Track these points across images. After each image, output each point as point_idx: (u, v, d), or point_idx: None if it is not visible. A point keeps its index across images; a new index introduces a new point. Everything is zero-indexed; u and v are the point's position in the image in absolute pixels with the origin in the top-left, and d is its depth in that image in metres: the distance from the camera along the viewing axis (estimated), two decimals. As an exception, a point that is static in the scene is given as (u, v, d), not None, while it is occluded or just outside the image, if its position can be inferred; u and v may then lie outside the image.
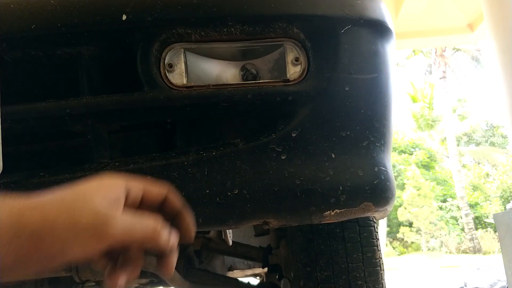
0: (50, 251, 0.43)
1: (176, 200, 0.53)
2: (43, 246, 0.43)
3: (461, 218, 19.65)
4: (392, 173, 0.76)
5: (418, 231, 20.59)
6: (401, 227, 20.94)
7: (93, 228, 0.44)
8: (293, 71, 0.70)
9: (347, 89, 0.70)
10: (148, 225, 0.48)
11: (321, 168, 0.68)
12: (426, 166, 22.93)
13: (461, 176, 19.36)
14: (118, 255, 0.51)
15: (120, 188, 0.48)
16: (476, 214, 20.25)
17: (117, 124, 0.73)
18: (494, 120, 23.83)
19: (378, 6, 0.76)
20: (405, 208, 20.15)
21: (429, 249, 20.25)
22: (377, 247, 0.93)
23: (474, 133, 24.15)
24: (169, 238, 0.50)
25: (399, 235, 21.09)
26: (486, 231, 19.76)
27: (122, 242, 0.46)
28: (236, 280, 1.46)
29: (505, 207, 4.03)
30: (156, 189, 0.52)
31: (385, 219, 17.30)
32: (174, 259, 0.51)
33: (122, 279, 0.50)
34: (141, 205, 0.50)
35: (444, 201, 21.77)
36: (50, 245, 0.43)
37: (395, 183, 0.76)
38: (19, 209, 0.43)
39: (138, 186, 0.50)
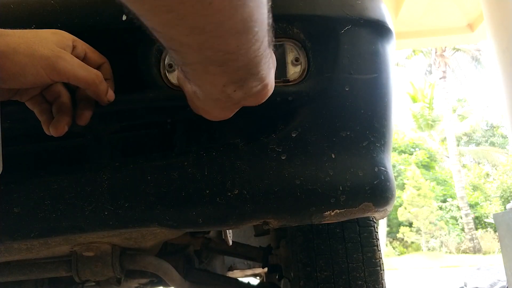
0: (11, 71, 0.52)
1: (109, 71, 0.64)
2: (6, 66, 0.52)
3: (461, 218, 19.67)
4: (392, 173, 0.76)
5: (418, 231, 20.60)
6: (401, 227, 20.95)
7: (47, 59, 0.54)
8: (293, 71, 0.71)
9: (347, 89, 0.70)
10: (92, 72, 0.58)
11: (321, 168, 0.68)
12: (426, 166, 22.95)
13: (461, 176, 19.37)
14: (53, 100, 0.62)
15: (69, 39, 0.59)
16: (476, 214, 20.27)
17: (117, 124, 0.73)
18: (494, 120, 23.84)
19: (378, 6, 0.76)
20: (405, 208, 20.16)
21: (429, 249, 20.26)
22: (377, 247, 0.93)
23: (474, 133, 24.16)
24: (107, 90, 0.60)
25: (399, 235, 21.11)
26: (486, 231, 19.77)
27: (67, 79, 0.56)
28: (236, 280, 1.46)
29: (505, 207, 4.03)
30: (97, 54, 0.63)
31: (385, 219, 17.31)
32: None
33: (64, 125, 0.60)
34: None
35: (444, 201, 21.78)
36: (11, 66, 0.52)
37: (395, 183, 0.76)
38: None
39: (83, 45, 0.61)
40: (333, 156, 0.69)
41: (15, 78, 0.53)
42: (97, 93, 0.59)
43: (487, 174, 22.18)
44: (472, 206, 20.35)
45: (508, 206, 3.72)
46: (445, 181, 22.48)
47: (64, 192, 0.65)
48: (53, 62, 0.54)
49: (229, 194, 0.65)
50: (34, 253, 0.81)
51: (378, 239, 0.94)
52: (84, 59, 0.60)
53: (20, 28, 0.56)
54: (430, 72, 23.35)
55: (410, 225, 20.66)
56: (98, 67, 0.62)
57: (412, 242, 20.96)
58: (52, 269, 0.93)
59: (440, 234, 20.14)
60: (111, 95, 0.62)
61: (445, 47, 20.50)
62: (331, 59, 0.70)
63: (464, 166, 22.40)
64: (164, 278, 1.09)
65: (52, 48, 0.55)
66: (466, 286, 5.99)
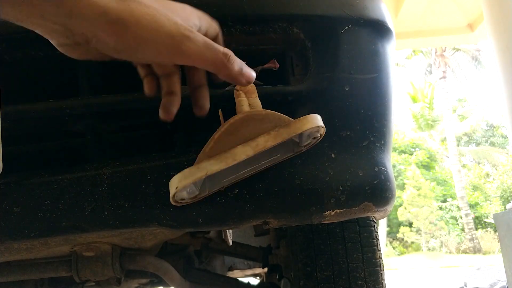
0: (128, 44, 0.45)
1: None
2: (123, 35, 0.45)
3: (461, 218, 19.68)
4: (392, 173, 0.75)
5: (418, 231, 20.61)
6: (401, 227, 20.97)
7: (172, 38, 0.46)
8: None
9: (347, 89, 0.70)
10: (218, 51, 0.49)
11: (321, 168, 0.68)
12: (426, 166, 22.96)
13: (461, 176, 19.38)
14: (162, 76, 0.55)
15: (196, 16, 0.52)
16: (476, 214, 20.28)
17: (117, 124, 0.73)
18: (494, 120, 23.84)
19: (378, 6, 0.76)
20: (405, 208, 20.18)
21: (429, 249, 20.27)
22: (377, 247, 0.93)
23: (474, 133, 24.17)
24: (242, 68, 0.52)
25: (399, 235, 21.12)
26: (486, 231, 19.78)
27: (192, 62, 0.48)
28: (236, 280, 1.46)
29: (505, 207, 4.03)
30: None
31: (385, 219, 17.31)
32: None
33: (175, 109, 0.54)
34: None
35: (444, 201, 21.79)
36: (130, 36, 0.45)
37: (395, 183, 0.76)
38: None
39: (213, 25, 0.54)
40: (333, 156, 0.69)
41: (131, 52, 0.47)
42: (229, 74, 0.51)
43: (487, 174, 22.17)
44: (472, 206, 20.35)
45: (508, 206, 3.72)
46: (445, 181, 22.49)
47: (64, 192, 0.65)
48: (178, 42, 0.47)
49: (229, 194, 0.65)
50: (34, 253, 0.82)
51: (378, 239, 0.94)
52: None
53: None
54: (430, 72, 23.35)
55: (410, 225, 20.68)
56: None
57: (412, 242, 20.97)
58: (52, 269, 0.93)
59: (440, 234, 20.15)
60: (248, 75, 0.53)
61: (445, 47, 20.51)
62: (331, 59, 0.70)
63: (464, 166, 22.41)
64: (164, 278, 1.09)
65: (179, 25, 0.47)
66: (466, 286, 6.00)
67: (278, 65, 0.66)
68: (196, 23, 0.52)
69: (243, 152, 0.55)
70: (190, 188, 0.58)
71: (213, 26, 0.55)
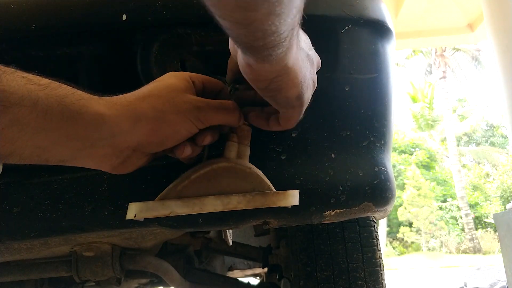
0: (167, 133, 0.53)
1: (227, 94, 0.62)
2: (161, 130, 0.52)
3: (461, 218, 19.67)
4: (392, 173, 0.75)
5: (418, 231, 20.61)
6: (401, 227, 20.97)
7: (191, 112, 0.53)
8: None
9: (347, 89, 0.70)
10: (229, 110, 0.57)
11: (321, 168, 0.68)
12: (426, 166, 22.96)
13: (461, 176, 19.37)
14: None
15: (188, 79, 0.57)
16: (476, 214, 20.27)
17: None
18: (494, 120, 23.83)
19: (378, 6, 0.76)
20: (405, 208, 20.18)
21: (429, 249, 20.27)
22: (377, 247, 0.93)
23: (474, 133, 24.16)
24: (241, 117, 0.59)
25: (399, 235, 21.12)
26: (486, 231, 19.78)
27: (210, 125, 0.56)
28: (236, 280, 1.46)
29: (505, 207, 4.03)
30: (214, 82, 0.61)
31: (385, 219, 17.31)
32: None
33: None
34: (203, 94, 0.59)
35: (444, 201, 21.78)
36: (166, 128, 0.52)
37: (395, 183, 0.76)
38: (129, 102, 0.52)
39: (198, 77, 0.59)
40: (333, 156, 0.69)
41: (171, 138, 0.53)
42: (234, 124, 0.59)
43: (487, 174, 22.16)
44: (472, 206, 20.35)
45: (508, 206, 3.72)
46: (445, 181, 22.49)
47: (64, 192, 0.65)
48: (196, 114, 0.54)
49: (229, 194, 0.65)
50: (34, 253, 0.82)
51: (378, 239, 0.94)
52: (204, 91, 0.59)
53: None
54: (430, 72, 23.34)
55: (410, 225, 20.68)
56: (217, 93, 0.61)
57: (412, 242, 20.96)
58: (52, 269, 0.93)
59: (440, 234, 20.15)
60: (242, 120, 0.60)
61: (445, 47, 20.51)
62: (331, 59, 0.70)
63: (464, 166, 22.40)
64: (164, 278, 1.09)
65: (189, 99, 0.55)
66: (466, 286, 6.00)
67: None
68: (190, 84, 0.57)
69: (212, 205, 0.54)
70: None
71: (197, 79, 0.59)
